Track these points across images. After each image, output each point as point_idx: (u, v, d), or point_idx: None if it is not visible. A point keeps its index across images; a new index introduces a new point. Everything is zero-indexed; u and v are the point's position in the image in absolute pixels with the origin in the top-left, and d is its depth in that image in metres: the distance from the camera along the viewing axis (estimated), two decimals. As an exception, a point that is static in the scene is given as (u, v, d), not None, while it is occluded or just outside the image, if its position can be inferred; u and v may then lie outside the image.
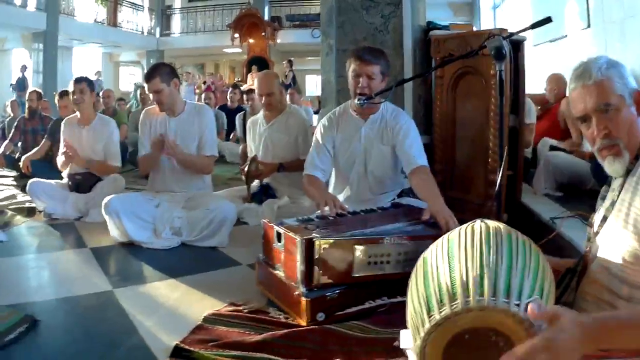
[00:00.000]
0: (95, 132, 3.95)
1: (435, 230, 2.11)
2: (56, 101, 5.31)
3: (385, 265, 1.98)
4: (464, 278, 1.05)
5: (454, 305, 1.03)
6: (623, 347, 1.01)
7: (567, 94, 4.43)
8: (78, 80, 3.95)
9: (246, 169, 3.74)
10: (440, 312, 1.04)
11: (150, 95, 3.33)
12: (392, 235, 2.00)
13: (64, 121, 4.14)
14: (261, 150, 3.86)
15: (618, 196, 1.27)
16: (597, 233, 1.31)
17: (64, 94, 5.07)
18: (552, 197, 3.57)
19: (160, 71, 3.25)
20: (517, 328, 1.01)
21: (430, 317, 1.06)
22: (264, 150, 3.85)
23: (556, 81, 4.55)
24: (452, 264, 1.10)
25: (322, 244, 1.89)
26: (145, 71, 3.54)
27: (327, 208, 2.36)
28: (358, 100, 2.59)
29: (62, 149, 3.98)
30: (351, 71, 2.69)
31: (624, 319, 1.01)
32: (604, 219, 1.30)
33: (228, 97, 8.25)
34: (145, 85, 3.32)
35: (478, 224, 1.19)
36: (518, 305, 1.01)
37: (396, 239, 1.99)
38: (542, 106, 4.75)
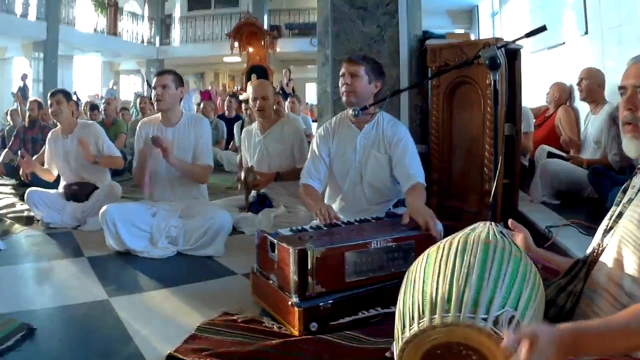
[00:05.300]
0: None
1: (418, 231, 2.19)
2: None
3: (375, 269, 2.06)
4: (434, 294, 1.07)
5: (421, 323, 1.05)
6: (597, 355, 1.04)
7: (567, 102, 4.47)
8: (53, 93, 3.95)
9: (242, 176, 3.75)
10: (410, 329, 1.07)
11: (152, 93, 3.35)
12: (377, 239, 2.07)
13: (48, 136, 4.11)
14: (257, 160, 3.86)
15: (637, 194, 1.30)
16: (611, 228, 1.33)
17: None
18: (549, 205, 3.57)
19: (173, 73, 3.36)
20: (487, 342, 1.01)
21: (403, 333, 1.09)
22: (260, 160, 3.85)
23: (558, 89, 4.55)
24: (426, 280, 1.12)
25: (314, 254, 1.90)
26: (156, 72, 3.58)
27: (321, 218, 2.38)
28: (353, 110, 2.59)
29: (46, 164, 4.05)
30: (340, 75, 2.71)
31: (599, 330, 1.03)
32: (620, 214, 1.32)
33: (225, 106, 8.25)
34: (155, 79, 3.32)
35: (459, 235, 1.22)
36: (485, 319, 1.01)
37: (382, 242, 2.06)
38: (540, 115, 4.76)
